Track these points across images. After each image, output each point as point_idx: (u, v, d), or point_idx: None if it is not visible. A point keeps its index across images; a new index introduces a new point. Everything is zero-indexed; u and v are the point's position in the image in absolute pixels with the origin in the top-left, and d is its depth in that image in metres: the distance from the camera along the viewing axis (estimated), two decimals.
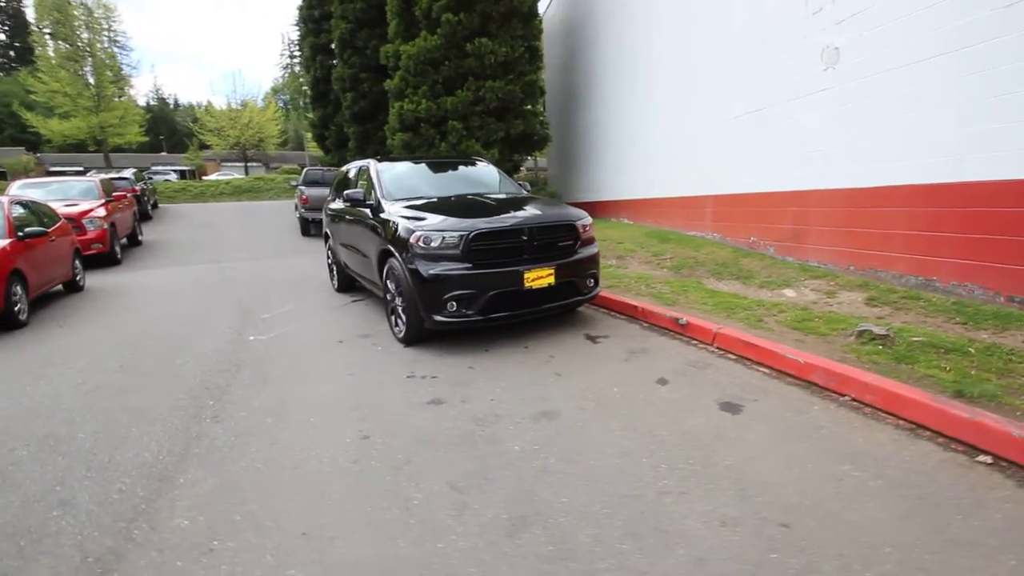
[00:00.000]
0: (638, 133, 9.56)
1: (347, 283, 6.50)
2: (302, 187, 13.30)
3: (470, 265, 3.87)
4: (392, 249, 4.16)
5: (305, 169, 14.14)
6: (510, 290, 3.94)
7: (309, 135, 40.36)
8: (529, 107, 11.84)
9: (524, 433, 2.65)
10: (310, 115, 21.29)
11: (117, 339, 4.81)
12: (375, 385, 3.44)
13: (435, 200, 4.71)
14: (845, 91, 4.89)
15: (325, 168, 14.47)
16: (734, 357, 3.57)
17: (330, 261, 6.89)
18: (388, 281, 4.41)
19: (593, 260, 4.41)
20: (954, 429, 2.35)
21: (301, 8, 17.21)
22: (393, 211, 4.46)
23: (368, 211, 4.88)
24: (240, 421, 2.97)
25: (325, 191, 13.11)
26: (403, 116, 11.42)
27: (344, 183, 6.25)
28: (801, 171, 5.47)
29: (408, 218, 4.16)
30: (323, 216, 7.35)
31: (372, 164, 5.28)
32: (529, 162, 15.82)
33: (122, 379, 3.74)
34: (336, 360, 4.00)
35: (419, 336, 4.16)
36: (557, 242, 4.23)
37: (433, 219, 4.05)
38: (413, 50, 11.24)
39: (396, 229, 4.16)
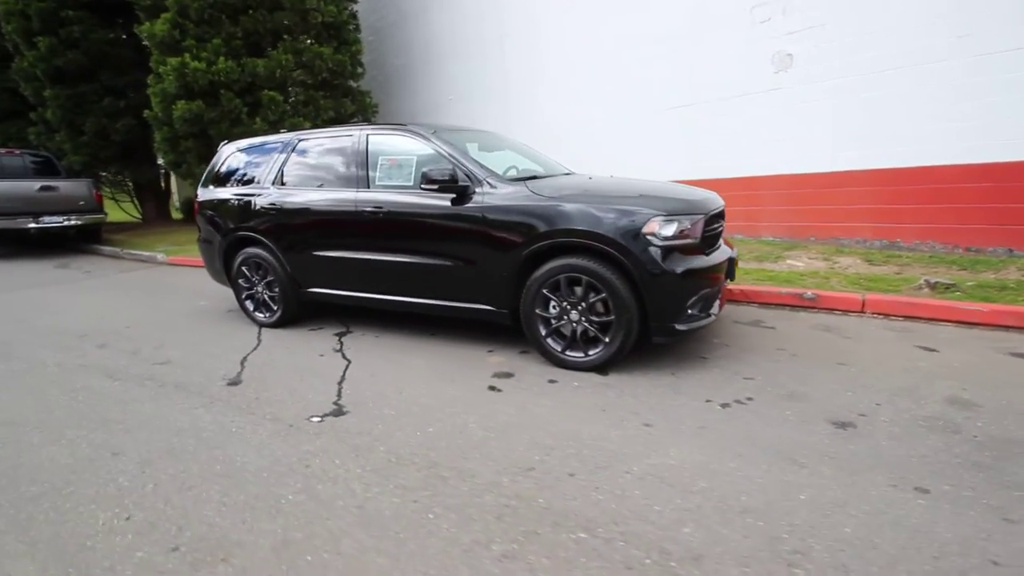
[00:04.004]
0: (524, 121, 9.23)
1: (296, 311, 4.38)
2: None
3: (705, 256, 3.13)
4: (602, 247, 2.94)
5: None
6: (723, 283, 3.36)
7: None
8: (356, 84, 10.06)
9: (1003, 418, 2.36)
10: None
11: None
12: (704, 426, 2.45)
13: (560, 176, 3.61)
14: (800, 92, 5.86)
15: (3, 150, 9.10)
16: (900, 318, 3.95)
17: (250, 284, 4.49)
18: (547, 291, 3.16)
19: None
20: None
21: None
22: (531, 193, 3.21)
23: (446, 201, 3.37)
24: (706, 532, 1.71)
25: (22, 185, 8.24)
26: (188, 77, 8.14)
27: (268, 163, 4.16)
28: (753, 159, 6.30)
29: (600, 204, 3.04)
30: (204, 219, 4.72)
31: (422, 132, 3.62)
32: None
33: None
34: (561, 416, 2.65)
35: (623, 356, 3.14)
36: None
37: (648, 199, 3.09)
38: None
39: (591, 219, 2.98)
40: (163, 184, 12.85)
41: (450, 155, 3.46)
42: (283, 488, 2.11)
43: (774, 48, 5.97)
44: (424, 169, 3.29)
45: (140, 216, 12.58)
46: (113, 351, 4.00)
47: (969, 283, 4.43)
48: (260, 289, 4.44)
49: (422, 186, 3.30)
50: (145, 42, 8.88)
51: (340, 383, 3.19)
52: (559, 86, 8.17)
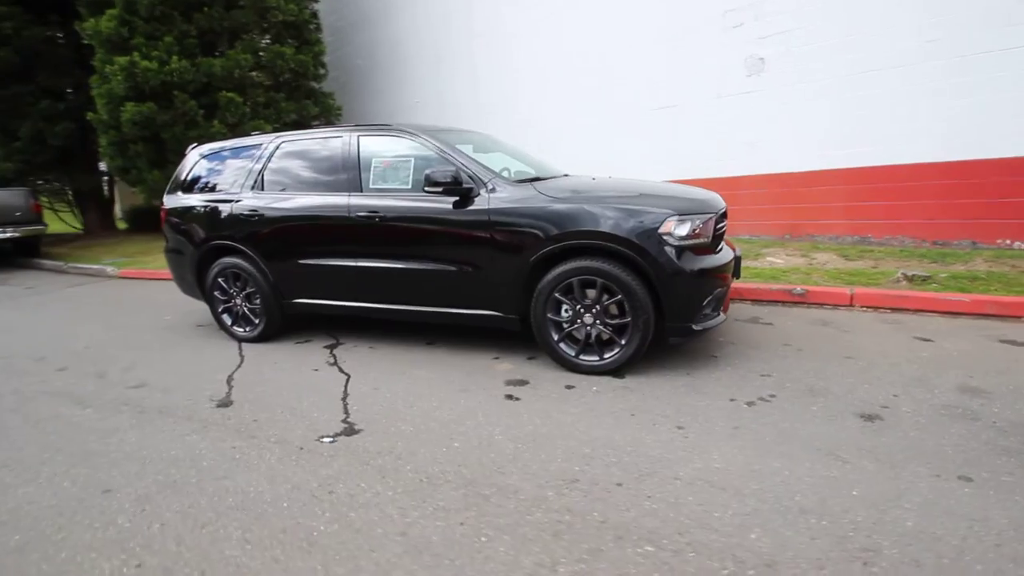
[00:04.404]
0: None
1: (280, 324, 4.13)
2: None
3: (716, 255, 3.13)
4: (617, 247, 2.89)
5: None
6: (731, 282, 3.37)
7: None
8: (318, 86, 9.71)
9: (1016, 403, 2.44)
10: None
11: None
12: (738, 426, 2.43)
13: (560, 177, 3.54)
14: (773, 94, 6.03)
15: None
16: (888, 311, 4.08)
17: (227, 296, 4.20)
18: (559, 294, 3.08)
19: None
20: None
21: None
22: (539, 194, 3.14)
23: (448, 204, 3.25)
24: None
25: None
26: (138, 77, 7.62)
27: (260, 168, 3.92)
28: (730, 160, 6.44)
29: (612, 205, 2.99)
30: (173, 228, 4.39)
31: (419, 133, 3.48)
32: None
33: None
34: (590, 422, 2.57)
35: (639, 358, 3.09)
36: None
37: (659, 199, 3.07)
38: None
39: (605, 220, 2.92)
40: (106, 192, 12.01)
41: (452, 157, 3.33)
42: (311, 519, 1.93)
43: (746, 52, 6.13)
44: (427, 171, 3.15)
45: (82, 227, 11.71)
46: (77, 374, 3.65)
47: (943, 275, 4.65)
48: (239, 301, 4.16)
49: (425, 189, 3.15)
50: (86, 40, 8.26)
51: (344, 399, 3.00)
52: (532, 87, 8.14)
